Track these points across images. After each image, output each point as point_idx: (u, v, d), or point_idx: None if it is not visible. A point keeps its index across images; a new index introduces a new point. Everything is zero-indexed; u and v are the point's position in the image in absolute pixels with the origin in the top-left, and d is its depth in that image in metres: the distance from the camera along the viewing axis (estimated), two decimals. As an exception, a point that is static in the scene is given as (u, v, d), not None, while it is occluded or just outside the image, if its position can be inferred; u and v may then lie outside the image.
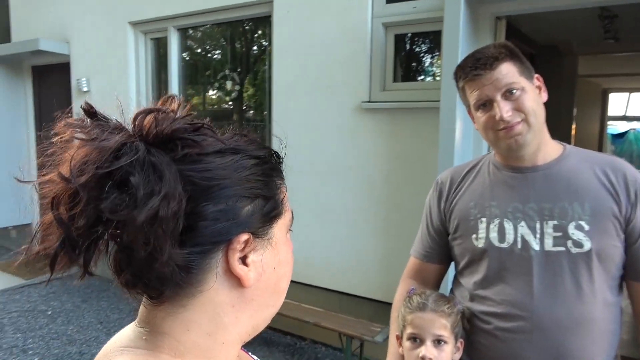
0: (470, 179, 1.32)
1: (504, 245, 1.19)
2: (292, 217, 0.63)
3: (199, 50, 4.60)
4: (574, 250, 1.13)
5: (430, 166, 2.91)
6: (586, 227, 1.13)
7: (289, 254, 0.61)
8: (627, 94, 8.14)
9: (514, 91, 1.13)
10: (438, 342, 1.16)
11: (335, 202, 3.42)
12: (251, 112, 4.29)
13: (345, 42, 3.26)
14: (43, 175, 0.51)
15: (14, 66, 5.64)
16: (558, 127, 4.34)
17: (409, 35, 3.30)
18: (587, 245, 1.12)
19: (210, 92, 4.58)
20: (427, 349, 1.15)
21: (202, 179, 0.50)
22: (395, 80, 3.23)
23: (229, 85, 4.30)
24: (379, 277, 3.32)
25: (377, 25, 3.16)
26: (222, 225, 0.51)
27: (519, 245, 1.18)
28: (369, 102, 3.21)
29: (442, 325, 1.16)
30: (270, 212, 0.56)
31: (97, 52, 4.73)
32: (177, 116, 0.53)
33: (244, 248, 0.53)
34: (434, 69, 3.32)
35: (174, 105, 0.56)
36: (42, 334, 3.74)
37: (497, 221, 1.21)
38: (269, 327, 3.27)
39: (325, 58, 3.34)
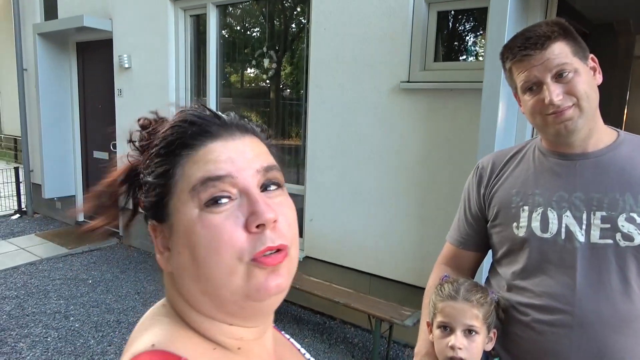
0: (513, 164, 1.25)
1: (547, 235, 1.13)
2: (208, 181, 0.52)
3: (238, 28, 4.58)
4: (623, 243, 1.06)
5: (470, 150, 2.81)
6: (638, 220, 1.06)
7: (208, 230, 0.51)
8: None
9: (566, 73, 1.05)
10: (469, 332, 1.12)
11: (370, 184, 3.37)
12: (288, 90, 4.25)
13: (385, 20, 3.16)
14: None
15: (60, 42, 5.80)
16: (609, 112, 4.11)
17: (452, 12, 3.16)
18: (638, 239, 1.05)
19: (249, 70, 4.56)
20: (457, 339, 1.12)
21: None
22: (436, 59, 3.12)
23: (266, 63, 4.27)
24: (411, 261, 3.27)
25: (419, 1, 3.04)
26: (144, 214, 0.59)
27: (563, 236, 1.12)
28: (408, 82, 3.11)
29: (474, 315, 1.12)
30: (158, 194, 0.55)
31: (138, 29, 4.79)
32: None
33: (161, 236, 0.56)
34: (478, 48, 3.18)
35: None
36: (83, 301, 3.91)
37: (540, 210, 1.15)
38: (300, 306, 3.33)
39: (364, 36, 3.26)
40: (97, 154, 5.82)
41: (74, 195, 6.11)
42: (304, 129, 3.78)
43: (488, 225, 1.28)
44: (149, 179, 0.55)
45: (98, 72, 5.58)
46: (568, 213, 1.12)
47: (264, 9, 4.25)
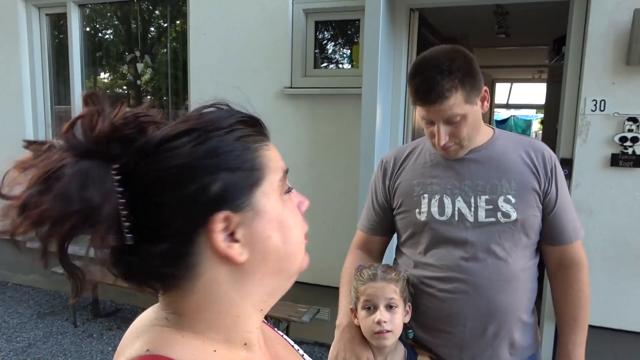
0: (412, 159, 1.44)
1: (444, 218, 1.34)
2: (286, 173, 0.60)
3: (105, 29, 4.27)
4: (503, 220, 1.30)
5: (352, 151, 3.03)
6: (513, 200, 1.29)
7: (291, 213, 0.59)
8: (509, 84, 9.07)
9: (456, 119, 1.24)
10: (390, 307, 1.27)
11: (259, 187, 3.42)
12: (149, 97, 4.12)
13: (267, 27, 3.25)
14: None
15: None
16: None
17: (328, 22, 3.37)
18: (514, 215, 1.29)
19: (106, 75, 4.29)
20: (381, 313, 1.25)
21: (155, 171, 0.49)
22: (315, 66, 3.29)
23: (145, 68, 4.06)
24: (304, 260, 3.39)
25: (298, 11, 3.19)
26: (190, 210, 0.50)
27: (456, 218, 1.33)
28: (290, 87, 3.24)
29: (392, 290, 1.28)
30: (243, 182, 0.53)
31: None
32: (108, 115, 0.50)
33: (227, 226, 0.52)
34: (353, 55, 3.43)
35: (103, 104, 0.52)
36: None
37: (437, 197, 1.35)
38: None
39: (246, 42, 3.31)
40: None
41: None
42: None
43: (393, 212, 1.46)
44: (232, 165, 0.52)
45: None
46: (459, 198, 1.33)
47: (134, 9, 4.04)
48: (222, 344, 0.56)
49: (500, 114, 10.37)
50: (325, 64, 3.46)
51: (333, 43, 3.55)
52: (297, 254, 0.59)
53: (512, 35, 4.33)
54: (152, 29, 4.11)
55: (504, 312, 1.30)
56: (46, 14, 4.07)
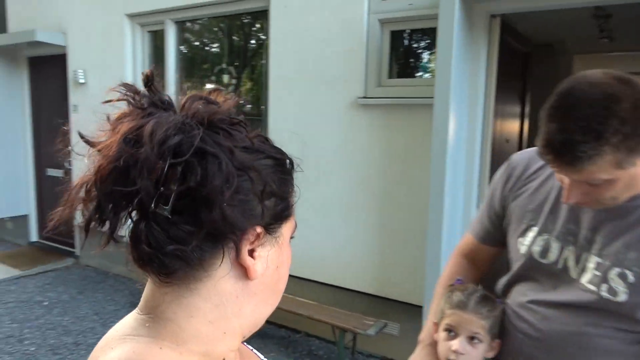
0: (541, 177, 1.18)
1: (544, 261, 1.13)
2: (296, 226, 0.65)
3: (196, 44, 4.60)
4: (605, 295, 1.01)
5: (424, 162, 2.94)
6: (631, 279, 0.98)
7: (289, 257, 0.64)
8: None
9: (596, 181, 0.92)
10: (472, 338, 1.17)
11: (331, 196, 3.46)
12: (249, 106, 4.29)
13: (342, 37, 3.28)
14: (90, 140, 0.54)
15: (10, 57, 5.62)
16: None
17: (406, 31, 3.32)
18: (622, 297, 0.99)
19: (207, 86, 4.58)
20: (460, 344, 1.16)
21: (234, 167, 0.52)
22: (390, 76, 3.25)
23: (225, 79, 4.31)
24: (373, 272, 3.36)
25: (374, 21, 3.18)
26: (239, 214, 0.52)
27: (559, 266, 1.11)
28: (364, 97, 3.23)
29: (480, 325, 1.16)
30: (282, 212, 0.59)
31: (94, 44, 4.73)
32: (219, 107, 0.56)
33: (254, 241, 0.55)
34: (430, 65, 3.34)
35: (219, 97, 0.59)
36: (39, 324, 3.77)
37: (546, 236, 1.13)
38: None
39: (322, 53, 3.36)
40: (51, 172, 5.64)
41: (27, 215, 5.89)
42: (265, 143, 3.83)
43: (503, 222, 1.26)
44: (275, 190, 0.57)
45: (52, 88, 5.44)
46: (571, 248, 1.08)
47: (221, 25, 4.30)
48: (200, 356, 0.55)
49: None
50: (401, 74, 3.40)
51: (409, 52, 3.48)
52: (282, 292, 0.64)
53: (617, 39, 3.92)
54: (252, 41, 4.31)
55: None
56: (147, 31, 4.48)
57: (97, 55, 4.69)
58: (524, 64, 3.57)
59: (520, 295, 1.19)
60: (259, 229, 0.55)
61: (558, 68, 4.59)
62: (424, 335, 1.31)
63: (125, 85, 0.55)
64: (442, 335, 1.21)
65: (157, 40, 4.54)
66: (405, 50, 3.46)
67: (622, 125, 0.82)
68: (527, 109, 3.71)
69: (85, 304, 4.19)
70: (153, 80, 0.55)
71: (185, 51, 4.52)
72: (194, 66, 4.56)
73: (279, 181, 0.58)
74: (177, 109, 0.55)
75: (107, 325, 3.86)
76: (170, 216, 0.49)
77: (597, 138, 0.83)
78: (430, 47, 3.31)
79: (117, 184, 0.48)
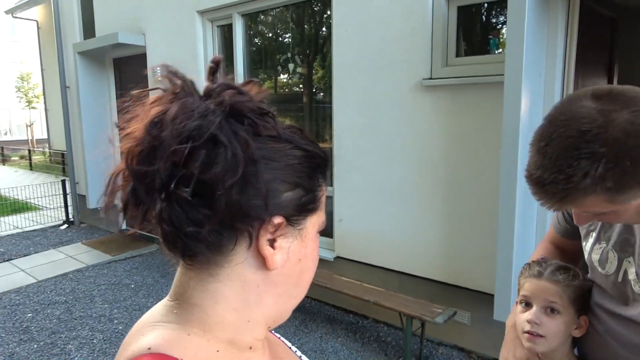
0: None
1: (603, 271, 1.06)
2: (325, 221, 0.64)
3: (263, 35, 4.69)
4: None
5: (494, 144, 2.79)
6: None
7: (315, 251, 0.63)
8: None
9: (595, 212, 0.86)
10: (551, 310, 1.07)
11: (395, 181, 3.38)
12: (321, 94, 4.30)
13: (404, 18, 3.17)
14: (125, 128, 0.55)
15: (98, 59, 6.09)
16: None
17: (474, 5, 3.13)
18: None
19: (279, 77, 4.66)
20: (534, 313, 1.07)
21: (259, 156, 0.52)
22: (458, 55, 3.10)
23: (296, 68, 4.35)
24: (440, 258, 3.25)
25: (438, -2, 3.04)
26: (260, 201, 0.52)
27: (620, 278, 1.02)
28: (430, 79, 3.11)
29: (556, 293, 1.07)
30: (308, 204, 0.58)
31: (169, 42, 4.98)
32: (249, 97, 0.55)
33: (275, 230, 0.54)
34: (499, 41, 3.13)
35: (252, 88, 0.58)
36: (126, 305, 4.09)
37: (603, 245, 1.05)
38: (332, 305, 3.38)
39: (384, 35, 3.28)
40: (136, 165, 6.06)
41: (117, 205, 6.37)
42: (331, 130, 3.84)
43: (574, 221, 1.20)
44: (300, 181, 0.56)
45: (135, 86, 5.80)
46: (631, 259, 1.00)
47: (286, 15, 4.34)
48: (226, 344, 0.56)
49: None
50: (469, 52, 3.22)
51: (478, 28, 3.28)
52: (307, 286, 0.63)
53: None
54: (324, 29, 4.30)
55: None
56: (217, 26, 4.64)
57: (172, 52, 4.94)
58: (610, 32, 3.23)
59: (595, 295, 1.10)
60: (278, 219, 0.54)
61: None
62: (510, 317, 1.22)
63: (164, 66, 0.57)
64: (518, 308, 1.13)
65: (225, 34, 4.69)
66: (474, 26, 3.27)
67: (593, 167, 0.75)
68: (614, 82, 3.37)
69: (167, 287, 4.46)
70: (218, 67, 0.57)
71: (256, 43, 4.62)
72: (262, 58, 4.65)
73: (306, 173, 0.56)
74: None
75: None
76: (190, 198, 0.49)
77: (566, 181, 0.77)
78: (502, 20, 3.10)
79: (143, 165, 0.50)
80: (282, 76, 4.57)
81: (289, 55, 4.31)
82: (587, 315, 1.09)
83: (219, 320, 0.56)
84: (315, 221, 0.60)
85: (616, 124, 0.74)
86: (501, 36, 3.12)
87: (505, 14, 2.68)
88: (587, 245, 1.09)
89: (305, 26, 4.30)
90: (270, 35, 4.63)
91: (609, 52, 3.28)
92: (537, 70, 2.64)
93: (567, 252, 1.25)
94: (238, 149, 0.49)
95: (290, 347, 0.75)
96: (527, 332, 1.07)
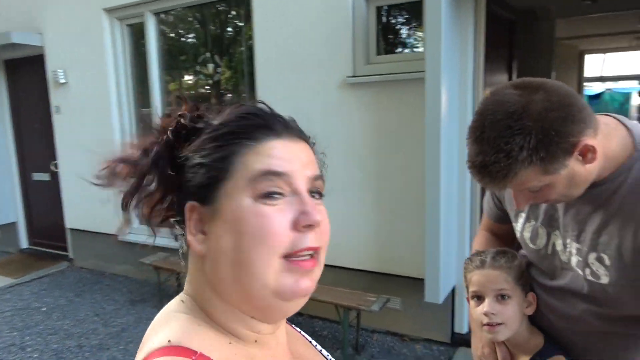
0: None
1: (535, 247, 1.15)
2: (269, 174, 0.55)
3: (178, 34, 4.51)
4: (590, 278, 1.03)
5: (418, 137, 2.94)
6: (607, 262, 0.98)
7: (257, 224, 0.53)
8: (602, 55, 8.25)
9: (534, 189, 0.94)
10: (501, 297, 1.11)
11: (326, 178, 3.43)
12: (243, 93, 4.24)
13: (327, 17, 3.23)
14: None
15: (-16, 61, 5.46)
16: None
17: (390, 6, 3.28)
18: (605, 280, 0.99)
19: (189, 77, 4.51)
20: (488, 305, 1.11)
21: (179, 159, 0.58)
22: (379, 53, 3.22)
23: (216, 68, 4.23)
24: (372, 249, 3.37)
25: (358, -2, 3.14)
26: (181, 196, 0.58)
27: (549, 251, 1.12)
28: (353, 76, 3.21)
29: (503, 279, 1.11)
30: (211, 177, 0.55)
31: (72, 42, 4.60)
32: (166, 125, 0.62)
33: (199, 217, 0.56)
34: (417, 39, 3.31)
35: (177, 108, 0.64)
36: (39, 330, 3.72)
37: (532, 223, 1.13)
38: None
39: (308, 34, 3.32)
40: (37, 176, 5.53)
41: (15, 222, 5.78)
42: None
43: (503, 206, 1.26)
44: (202, 160, 0.56)
45: (31, 90, 5.30)
46: (557, 232, 1.09)
47: (203, 13, 4.22)
48: (233, 337, 0.57)
49: (593, 89, 9.50)
50: (389, 51, 3.37)
51: (397, 27, 3.45)
52: (254, 266, 0.53)
53: (600, 0, 3.93)
54: (225, 30, 4.25)
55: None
56: (127, 25, 4.38)
57: (76, 53, 4.57)
58: (509, 32, 3.56)
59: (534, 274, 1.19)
60: (189, 204, 0.56)
61: (541, 33, 4.60)
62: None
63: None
64: (472, 304, 1.17)
65: (136, 34, 4.44)
66: (393, 26, 3.43)
67: (526, 140, 0.85)
68: (514, 78, 3.71)
69: (83, 306, 4.14)
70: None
71: (167, 43, 4.43)
72: (176, 58, 4.48)
73: (211, 147, 0.56)
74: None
75: (109, 325, 3.84)
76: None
77: (507, 157, 0.86)
78: (417, 20, 3.28)
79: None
80: (200, 76, 4.43)
81: (208, 54, 4.20)
82: (533, 292, 1.16)
83: (207, 312, 0.58)
84: (233, 189, 0.54)
85: (536, 102, 0.86)
86: (416, 36, 3.31)
87: (421, 15, 2.85)
88: (518, 225, 1.17)
89: (225, 25, 4.22)
90: (186, 34, 4.47)
91: (509, 50, 3.61)
92: (452, 67, 2.84)
93: (501, 236, 1.35)
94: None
95: (310, 342, 0.74)
96: (486, 324, 1.11)
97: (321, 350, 0.74)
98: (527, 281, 1.16)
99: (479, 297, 1.14)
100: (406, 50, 3.40)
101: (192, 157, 0.57)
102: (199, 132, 0.59)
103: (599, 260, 0.99)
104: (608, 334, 1.07)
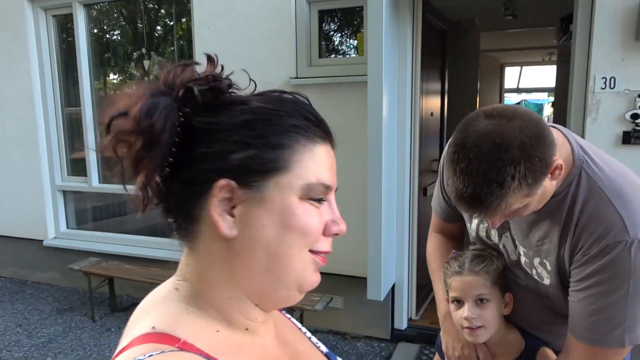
0: None
1: (490, 242, 1.24)
2: (323, 188, 0.57)
3: (113, 28, 4.31)
4: (536, 278, 1.14)
5: (360, 140, 3.02)
6: (549, 267, 1.09)
7: (305, 221, 0.55)
8: (519, 68, 8.96)
9: (513, 210, 0.98)
10: (480, 300, 1.17)
11: (268, 179, 3.43)
12: None
13: (270, 18, 3.24)
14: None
15: None
16: (464, 99, 4.70)
17: (331, 10, 3.36)
18: (547, 281, 1.11)
19: (117, 74, 4.33)
20: (468, 310, 1.16)
21: (202, 124, 0.53)
22: (320, 56, 3.29)
23: (152, 65, 4.08)
24: (316, 249, 3.40)
25: (301, 1, 3.18)
26: (206, 167, 0.52)
27: (501, 249, 1.22)
28: (296, 78, 3.24)
29: (481, 284, 1.17)
30: (263, 163, 0.53)
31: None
32: (190, 76, 0.56)
33: (230, 197, 0.53)
34: (358, 43, 3.41)
35: (209, 67, 0.60)
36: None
37: (486, 225, 1.21)
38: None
39: (251, 34, 3.31)
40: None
41: None
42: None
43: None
44: (251, 141, 0.53)
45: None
46: (507, 234, 1.17)
47: (138, 7, 4.06)
48: (223, 324, 0.56)
49: (511, 99, 10.26)
50: (331, 54, 3.45)
51: (338, 32, 3.53)
52: (292, 259, 0.55)
53: (520, 16, 4.27)
54: (159, 27, 4.13)
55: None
56: (52, 15, 4.11)
57: (-4, 45, 4.21)
58: (442, 41, 3.77)
59: None
60: (223, 182, 0.52)
61: (467, 44, 4.90)
62: (439, 308, 1.34)
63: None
64: (451, 307, 1.22)
65: (64, 25, 4.18)
66: (335, 30, 3.51)
67: (516, 170, 0.89)
68: (446, 86, 3.93)
69: (4, 317, 3.82)
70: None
71: (104, 37, 4.21)
72: (111, 53, 4.27)
73: (265, 131, 0.53)
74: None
75: (33, 336, 3.57)
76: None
77: (499, 187, 0.90)
78: (359, 25, 3.38)
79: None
80: (135, 73, 4.26)
81: (144, 50, 4.04)
82: (510, 292, 1.22)
83: (206, 297, 0.56)
84: (286, 183, 0.54)
85: (516, 131, 0.90)
86: (358, 40, 3.41)
87: (362, 19, 2.95)
88: (472, 225, 1.26)
89: (162, 21, 4.09)
90: (118, 30, 4.28)
91: (441, 58, 3.82)
92: (393, 72, 2.96)
93: (452, 235, 1.43)
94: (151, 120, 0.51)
95: (300, 329, 0.75)
96: (467, 328, 1.17)
97: (310, 337, 0.74)
98: (505, 281, 1.22)
99: (459, 301, 1.20)
100: (350, 54, 3.49)
101: (234, 131, 0.53)
102: (229, 104, 0.56)
103: (542, 265, 1.09)
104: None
